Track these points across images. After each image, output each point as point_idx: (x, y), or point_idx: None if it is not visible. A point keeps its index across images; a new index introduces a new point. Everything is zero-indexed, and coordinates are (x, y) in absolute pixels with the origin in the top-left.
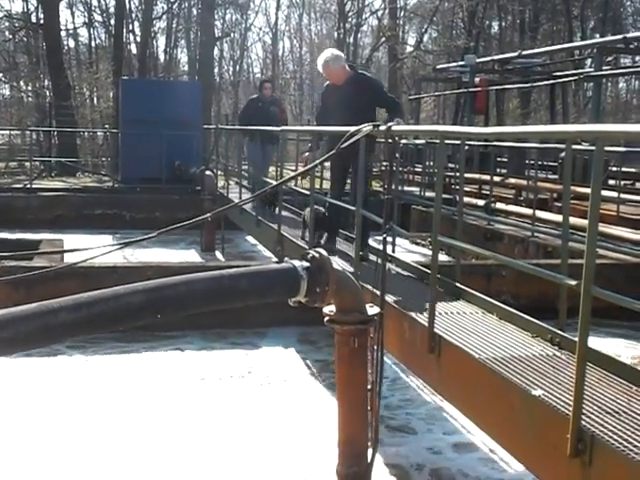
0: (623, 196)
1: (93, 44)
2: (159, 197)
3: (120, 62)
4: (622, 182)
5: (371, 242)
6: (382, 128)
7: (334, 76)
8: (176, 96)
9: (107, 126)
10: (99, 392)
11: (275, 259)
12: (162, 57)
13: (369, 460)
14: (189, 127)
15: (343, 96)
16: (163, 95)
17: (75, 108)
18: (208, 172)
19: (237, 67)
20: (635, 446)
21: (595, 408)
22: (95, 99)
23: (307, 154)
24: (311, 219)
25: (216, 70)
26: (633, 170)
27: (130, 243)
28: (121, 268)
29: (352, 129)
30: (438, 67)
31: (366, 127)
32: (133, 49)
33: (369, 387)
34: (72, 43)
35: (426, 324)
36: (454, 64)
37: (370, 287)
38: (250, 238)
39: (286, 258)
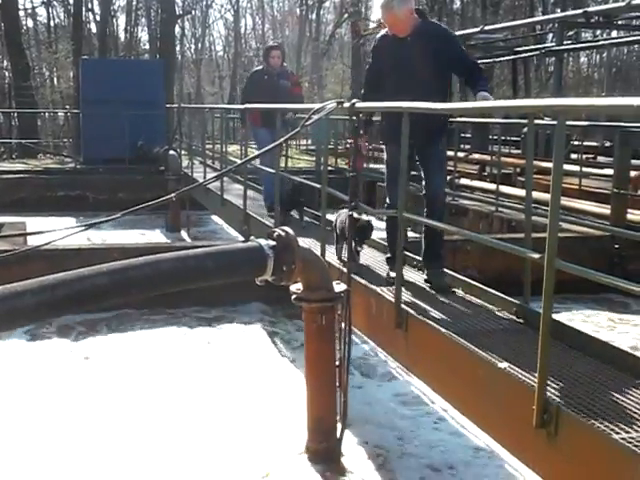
0: (585, 170)
1: (52, 23)
2: (122, 178)
3: (80, 41)
4: (584, 156)
5: (329, 216)
6: (345, 105)
7: (399, 24)
8: (138, 75)
9: (68, 107)
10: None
11: (241, 238)
12: (122, 36)
13: (338, 435)
14: (152, 106)
15: (407, 55)
16: (124, 74)
17: (35, 89)
18: (172, 152)
19: (199, 45)
20: (599, 416)
21: (560, 380)
22: (55, 79)
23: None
24: (342, 230)
25: (178, 48)
26: (595, 144)
27: (94, 224)
28: (85, 250)
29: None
30: None
31: (330, 104)
32: (93, 28)
33: (337, 363)
34: (31, 23)
35: (393, 300)
36: None
37: (337, 264)
38: (216, 217)
39: (252, 237)
